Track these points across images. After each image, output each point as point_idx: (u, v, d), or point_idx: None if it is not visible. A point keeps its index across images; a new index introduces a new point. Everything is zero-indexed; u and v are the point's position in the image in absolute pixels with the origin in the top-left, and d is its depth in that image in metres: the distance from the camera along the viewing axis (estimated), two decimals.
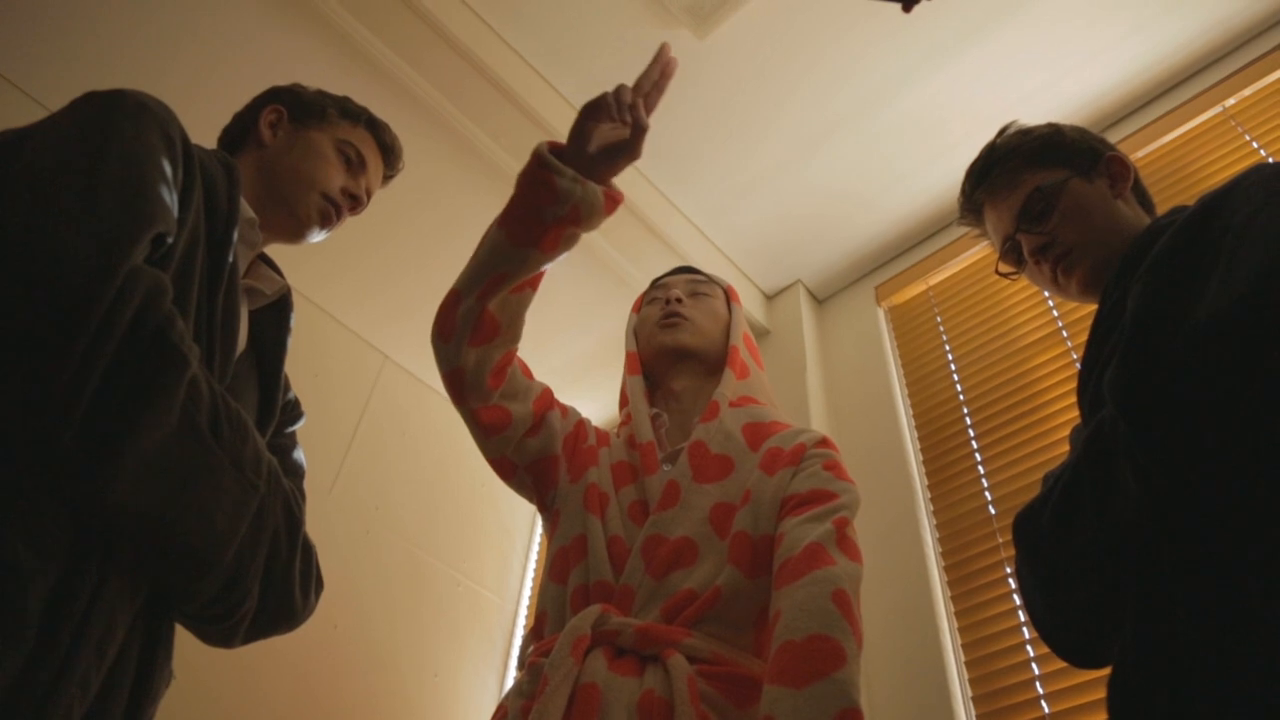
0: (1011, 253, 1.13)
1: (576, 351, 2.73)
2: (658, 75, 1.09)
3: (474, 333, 1.13)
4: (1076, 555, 0.80)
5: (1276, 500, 0.66)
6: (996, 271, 1.19)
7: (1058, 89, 2.16)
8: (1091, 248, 1.04)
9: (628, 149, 1.09)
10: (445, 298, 1.16)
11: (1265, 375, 0.64)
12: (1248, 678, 0.64)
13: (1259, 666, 0.64)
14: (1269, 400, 0.64)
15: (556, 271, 2.46)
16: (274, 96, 1.19)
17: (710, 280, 1.45)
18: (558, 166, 1.07)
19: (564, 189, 1.06)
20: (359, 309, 2.64)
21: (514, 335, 1.18)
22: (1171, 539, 0.72)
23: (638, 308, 1.47)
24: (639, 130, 1.08)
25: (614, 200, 1.12)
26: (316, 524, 0.99)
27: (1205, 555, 0.70)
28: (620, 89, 1.06)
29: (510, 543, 2.78)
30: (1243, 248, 0.71)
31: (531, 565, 2.78)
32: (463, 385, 1.16)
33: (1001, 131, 1.20)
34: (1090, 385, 0.90)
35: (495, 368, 1.17)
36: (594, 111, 1.06)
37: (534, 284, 1.18)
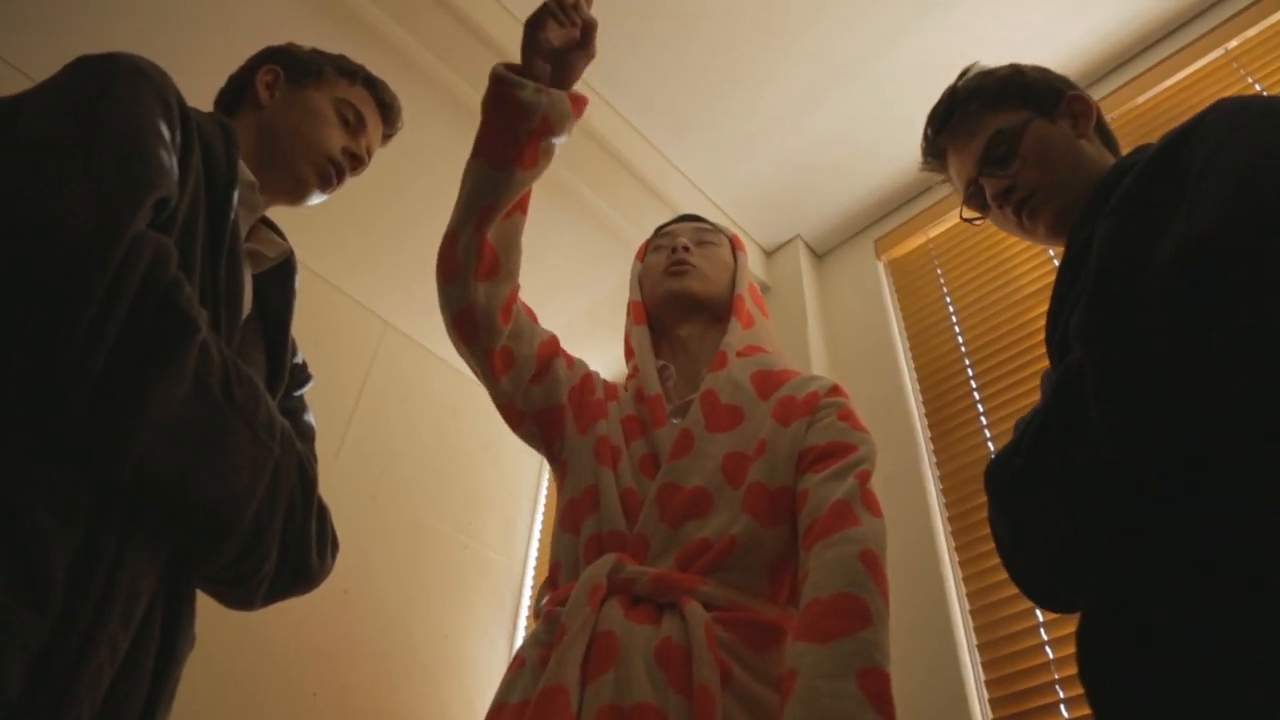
0: (975, 197, 1.12)
1: (575, 312, 2.72)
2: None
3: (478, 266, 1.14)
4: (1047, 501, 0.80)
5: (1243, 441, 0.66)
6: (961, 217, 1.17)
7: (1057, 34, 2.13)
8: (1055, 190, 1.02)
9: (582, 47, 1.13)
10: (442, 241, 1.17)
11: (1230, 313, 0.63)
12: (1211, 621, 0.65)
13: (1221, 609, 0.64)
14: (1235, 338, 0.63)
15: (552, 230, 2.47)
16: (269, 56, 1.17)
17: (716, 229, 1.44)
18: (519, 81, 1.10)
19: (530, 101, 1.10)
20: (359, 276, 2.62)
21: (513, 267, 1.20)
22: (1139, 482, 0.72)
23: (642, 255, 1.46)
24: (588, 27, 1.13)
25: (580, 102, 1.16)
26: (323, 492, 1.00)
27: (1172, 498, 0.70)
28: None
29: (515, 505, 2.80)
30: (1206, 185, 0.70)
31: (537, 527, 2.81)
32: (474, 323, 1.16)
33: (963, 74, 1.18)
34: (1058, 329, 0.89)
35: (504, 304, 1.18)
36: (539, 22, 1.11)
37: (523, 207, 1.20)
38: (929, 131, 1.17)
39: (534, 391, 1.23)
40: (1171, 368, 0.67)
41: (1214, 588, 0.65)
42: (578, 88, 1.19)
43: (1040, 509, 0.81)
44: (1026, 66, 1.14)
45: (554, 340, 1.29)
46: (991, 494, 0.89)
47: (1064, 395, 0.78)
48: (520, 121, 1.10)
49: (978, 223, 1.17)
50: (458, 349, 1.21)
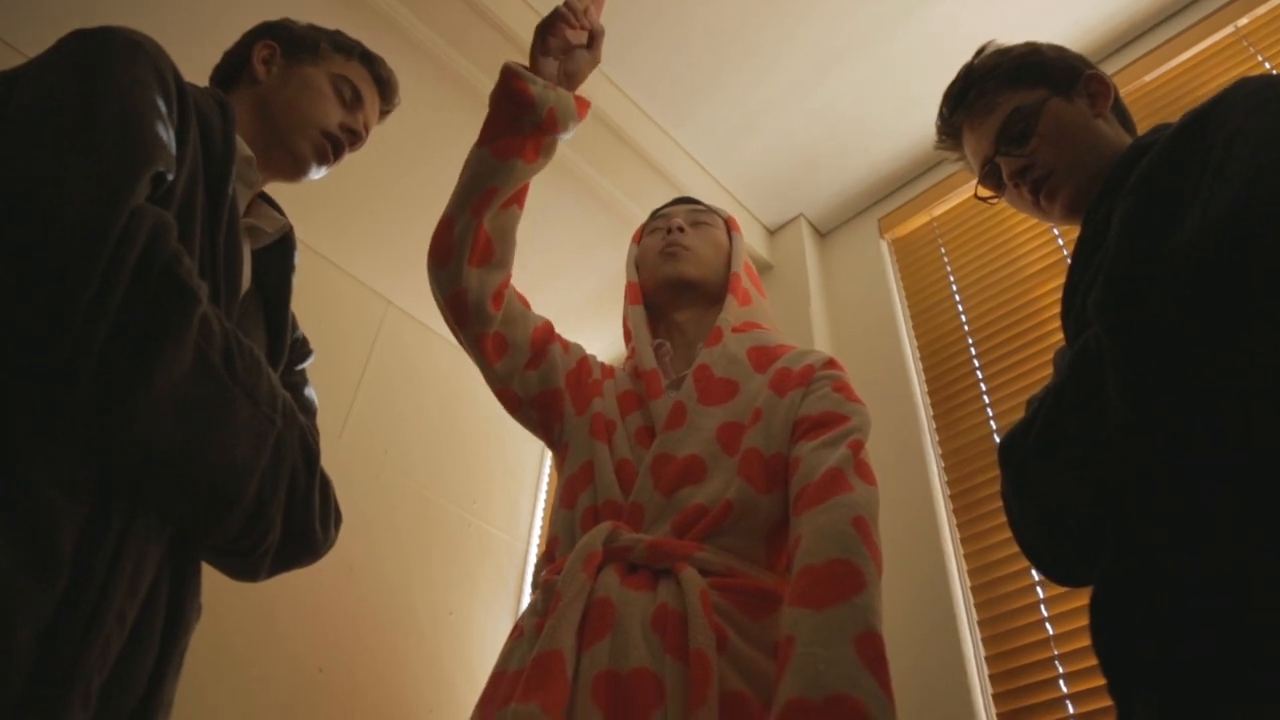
0: (991, 176, 1.11)
1: (579, 293, 2.72)
2: None
3: (472, 251, 1.17)
4: (1062, 477, 0.80)
5: (1260, 417, 0.66)
6: (976, 196, 1.17)
7: (1065, 11, 2.11)
8: (1072, 169, 1.01)
9: (589, 53, 1.20)
10: (438, 226, 1.20)
11: (1250, 291, 0.63)
12: (1225, 592, 0.65)
13: (1235, 580, 0.65)
14: (1250, 318, 0.64)
15: (556, 210, 2.47)
16: (266, 32, 1.16)
17: (710, 210, 1.45)
18: (530, 75, 1.14)
19: (538, 95, 1.14)
20: (361, 256, 2.63)
21: (507, 257, 1.22)
22: (1154, 456, 0.73)
23: (638, 238, 1.47)
24: (595, 34, 1.20)
25: (583, 106, 1.20)
26: (327, 470, 1.00)
27: (1187, 472, 0.71)
28: (569, 0, 1.17)
29: (518, 482, 2.81)
30: (1227, 163, 0.70)
31: (540, 504, 2.82)
32: (466, 308, 1.18)
33: (979, 52, 1.17)
34: (1074, 307, 0.90)
35: (495, 291, 1.20)
36: (550, 27, 1.16)
37: (519, 200, 1.23)
38: (944, 110, 1.17)
39: (530, 377, 1.25)
40: (1187, 346, 0.67)
41: (1228, 559, 0.66)
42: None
43: (1054, 484, 0.81)
44: (1044, 45, 1.13)
45: (548, 326, 1.30)
46: (1005, 469, 0.89)
47: (1080, 370, 0.78)
48: (527, 114, 1.14)
49: (993, 202, 1.16)
50: (451, 331, 1.23)
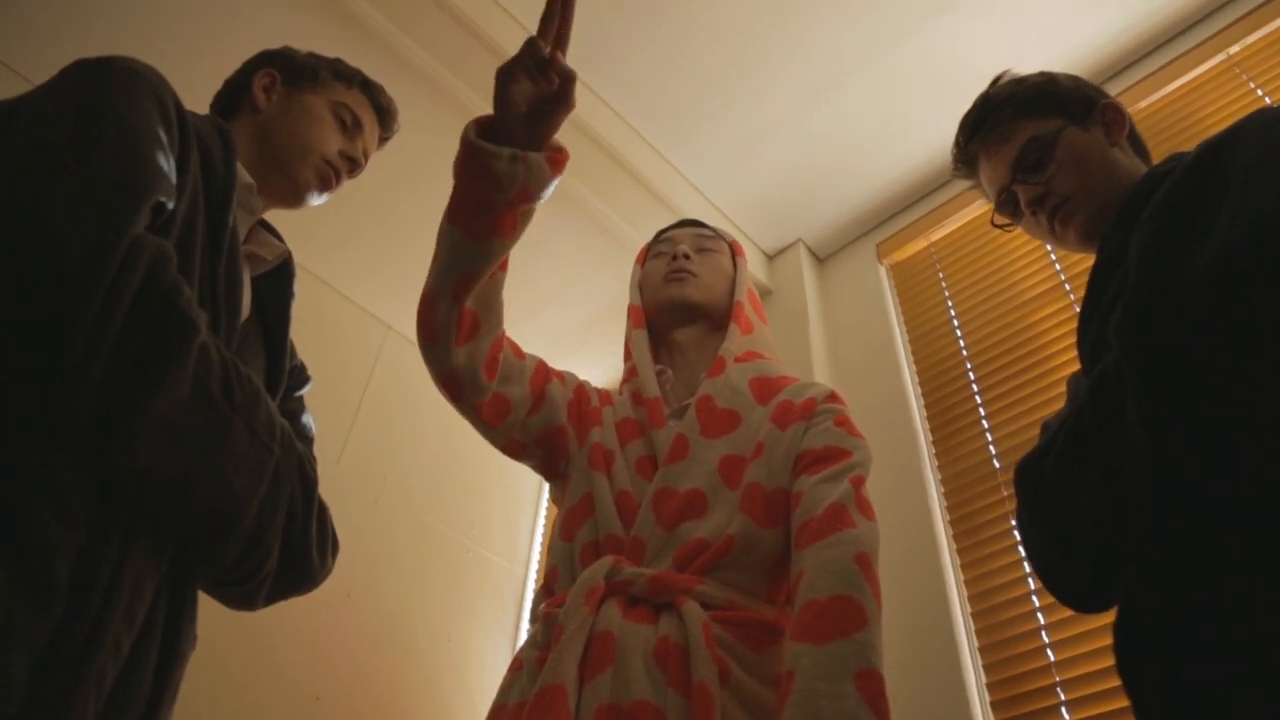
0: (1007, 204, 1.12)
1: (575, 318, 2.73)
2: (558, 10, 0.99)
3: (458, 332, 1.11)
4: (1080, 502, 0.80)
5: (1270, 452, 0.66)
6: (993, 223, 1.18)
7: (1059, 40, 2.13)
8: (1089, 197, 1.02)
9: (561, 100, 1.02)
10: (420, 303, 1.13)
11: (1262, 321, 0.64)
12: (1248, 615, 0.65)
13: (1258, 603, 0.65)
14: (1265, 347, 0.64)
15: (553, 237, 2.48)
16: (266, 60, 1.17)
17: (716, 235, 1.44)
18: (493, 151, 0.99)
19: (506, 172, 1.00)
20: (361, 281, 2.64)
21: (496, 321, 1.15)
22: (1178, 483, 0.73)
23: (642, 260, 1.46)
24: (566, 79, 1.01)
25: (559, 162, 1.06)
26: (325, 495, 1.00)
27: (1209, 496, 0.71)
28: (531, 43, 0.98)
29: (518, 508, 2.80)
30: (1247, 190, 0.71)
31: (539, 530, 2.81)
32: (459, 385, 1.13)
33: (994, 81, 1.18)
34: (1090, 333, 0.90)
35: (487, 360, 1.14)
36: (511, 73, 0.99)
37: (503, 267, 1.15)
38: (961, 138, 1.17)
39: (532, 422, 1.21)
40: (1200, 376, 0.67)
41: (1234, 589, 0.66)
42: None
43: (1073, 508, 0.81)
44: (1059, 74, 1.14)
45: (542, 367, 1.27)
46: (1020, 491, 0.89)
47: (1099, 395, 0.78)
48: (496, 193, 1.02)
49: (1009, 229, 1.17)
50: (448, 402, 1.18)
